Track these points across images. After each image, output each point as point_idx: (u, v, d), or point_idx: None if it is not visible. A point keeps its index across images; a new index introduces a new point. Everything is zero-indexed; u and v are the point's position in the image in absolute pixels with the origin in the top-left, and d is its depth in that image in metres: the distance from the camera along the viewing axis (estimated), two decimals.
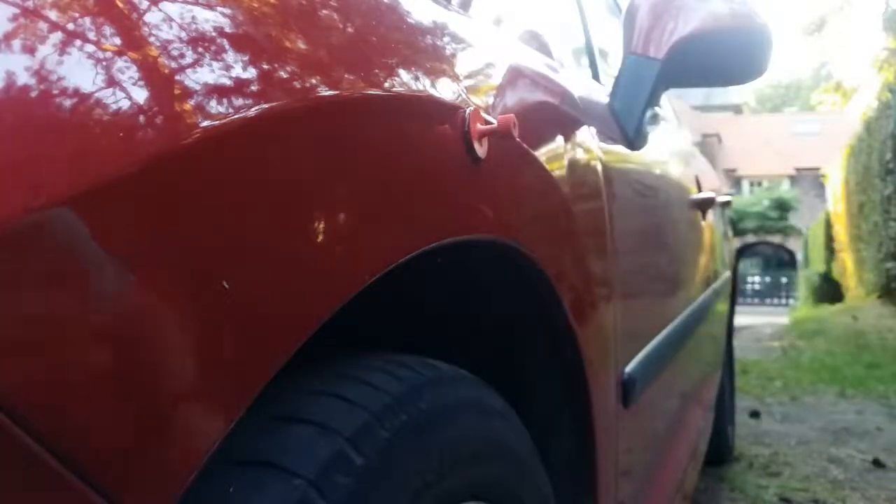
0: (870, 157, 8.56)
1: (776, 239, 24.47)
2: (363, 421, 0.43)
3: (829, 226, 13.18)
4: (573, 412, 0.78)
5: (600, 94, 1.16)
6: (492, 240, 0.58)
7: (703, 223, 2.06)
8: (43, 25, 0.28)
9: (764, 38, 0.89)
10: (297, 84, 0.39)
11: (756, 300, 20.58)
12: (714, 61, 0.88)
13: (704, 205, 2.07)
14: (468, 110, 0.55)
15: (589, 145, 0.91)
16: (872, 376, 4.65)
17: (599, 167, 0.93)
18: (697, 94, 26.96)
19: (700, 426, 2.07)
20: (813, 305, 11.97)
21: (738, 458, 2.89)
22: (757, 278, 22.88)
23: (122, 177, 0.28)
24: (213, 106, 0.33)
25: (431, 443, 0.48)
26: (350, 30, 0.47)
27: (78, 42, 0.28)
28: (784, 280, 21.84)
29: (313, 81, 0.40)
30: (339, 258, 0.40)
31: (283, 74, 0.38)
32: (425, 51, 0.57)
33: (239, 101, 0.34)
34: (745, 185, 26.80)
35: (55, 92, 0.27)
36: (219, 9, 0.36)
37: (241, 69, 0.35)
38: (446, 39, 0.61)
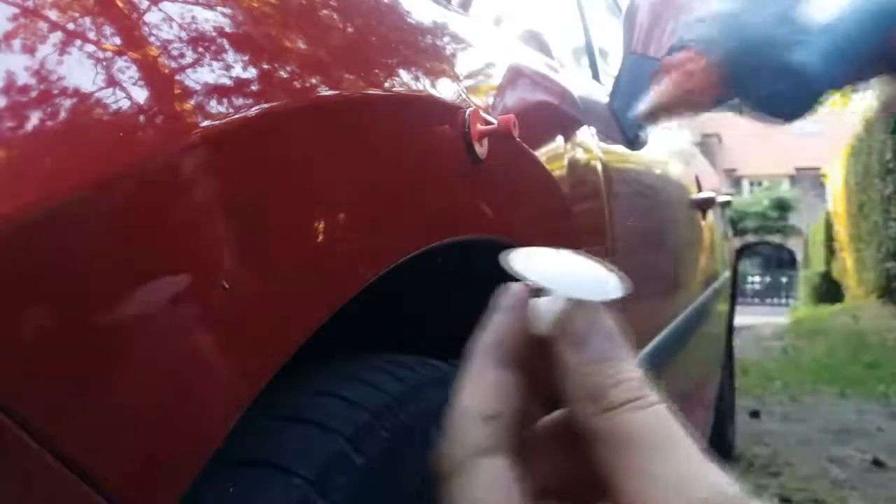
0: (870, 157, 8.56)
1: (776, 239, 24.47)
2: (363, 421, 0.43)
3: (829, 226, 13.18)
4: None
5: (600, 94, 1.16)
6: (492, 240, 0.58)
7: (703, 223, 2.06)
8: (43, 25, 0.28)
9: None
10: (297, 84, 0.39)
11: (756, 300, 20.56)
12: None
13: (704, 204, 2.07)
14: (468, 110, 0.55)
15: (589, 145, 0.91)
16: (872, 376, 4.65)
17: (599, 167, 0.93)
18: None
19: (700, 426, 2.07)
20: (813, 305, 11.97)
21: (738, 458, 2.89)
22: (757, 278, 22.86)
23: (122, 176, 0.28)
24: (213, 106, 0.33)
25: (432, 443, 0.48)
26: (350, 30, 0.47)
27: (78, 42, 0.28)
28: (784, 280, 21.83)
29: (313, 81, 0.40)
30: (338, 258, 0.40)
31: (283, 74, 0.38)
32: (425, 51, 0.57)
33: (239, 101, 0.34)
34: (745, 185, 26.79)
35: (55, 92, 0.27)
36: (219, 9, 0.36)
37: (241, 69, 0.35)
38: (446, 39, 0.61)
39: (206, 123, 0.32)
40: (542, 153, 0.71)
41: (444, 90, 0.55)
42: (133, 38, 0.31)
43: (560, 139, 0.79)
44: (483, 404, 0.27)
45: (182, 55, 0.33)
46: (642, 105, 0.26)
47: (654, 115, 0.27)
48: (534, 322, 0.28)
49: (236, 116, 0.34)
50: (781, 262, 24.41)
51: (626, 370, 0.26)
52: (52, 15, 0.28)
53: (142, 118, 0.29)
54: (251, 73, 0.36)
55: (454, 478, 0.26)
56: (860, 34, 0.29)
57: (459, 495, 0.26)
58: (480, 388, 0.27)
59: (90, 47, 0.29)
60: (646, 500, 0.24)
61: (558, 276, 0.28)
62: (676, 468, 0.24)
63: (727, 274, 2.74)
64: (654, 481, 0.24)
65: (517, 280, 0.28)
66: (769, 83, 0.29)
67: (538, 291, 0.28)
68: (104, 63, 0.29)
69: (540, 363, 0.28)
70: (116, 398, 0.28)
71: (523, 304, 0.29)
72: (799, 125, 0.36)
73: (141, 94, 0.30)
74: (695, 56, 0.28)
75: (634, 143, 1.17)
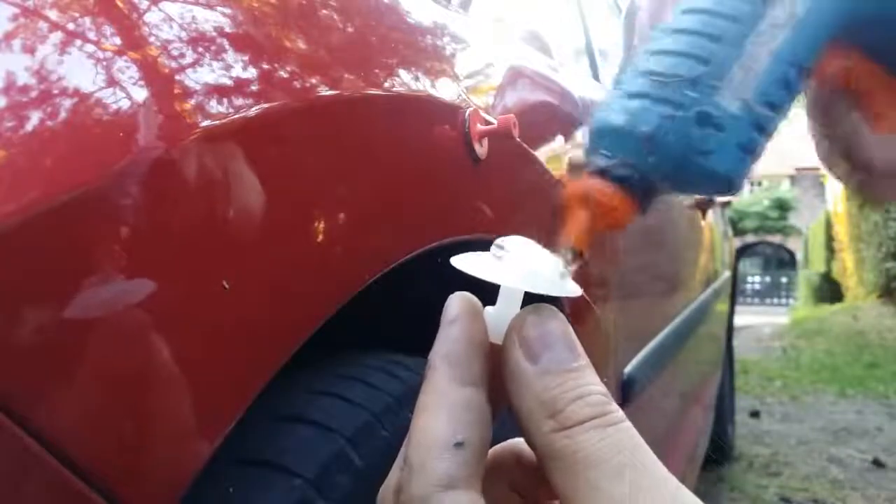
0: None
1: (776, 239, 24.46)
2: (363, 421, 0.43)
3: (829, 226, 13.18)
4: None
5: (600, 94, 1.16)
6: (492, 240, 0.58)
7: (702, 223, 2.06)
8: (43, 25, 0.28)
9: None
10: (297, 84, 0.39)
11: (756, 300, 20.57)
12: None
13: (704, 205, 2.07)
14: (468, 110, 0.55)
15: None
16: (872, 376, 4.65)
17: None
18: None
19: (700, 426, 2.07)
20: (813, 305, 11.97)
21: (738, 458, 2.89)
22: (757, 278, 22.86)
23: (123, 176, 0.28)
24: (213, 106, 0.33)
25: None
26: (350, 30, 0.47)
27: (78, 42, 0.28)
28: (784, 280, 21.84)
29: (313, 81, 0.40)
30: (338, 258, 0.40)
31: (283, 74, 0.38)
32: (425, 51, 0.57)
33: (239, 101, 0.34)
34: (745, 185, 26.77)
35: (55, 92, 0.27)
36: (219, 9, 0.36)
37: (241, 69, 0.35)
38: (446, 39, 0.61)
39: (206, 123, 0.32)
40: (542, 153, 0.71)
41: (444, 90, 0.55)
42: (133, 38, 0.31)
43: (560, 139, 0.79)
44: (449, 429, 0.23)
45: (182, 55, 0.33)
46: (561, 249, 0.24)
47: (575, 256, 0.25)
48: (488, 331, 0.25)
49: (236, 116, 0.34)
50: (781, 262, 24.40)
51: (588, 383, 0.23)
52: (52, 15, 0.28)
53: (142, 118, 0.29)
54: (251, 73, 0.36)
55: None
56: (776, 99, 0.28)
57: None
58: (445, 410, 0.23)
59: (90, 47, 0.29)
60: None
61: (514, 274, 0.25)
62: (647, 494, 0.21)
63: (727, 274, 2.74)
64: None
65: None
66: (691, 189, 0.28)
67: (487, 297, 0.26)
68: (104, 63, 0.29)
69: (493, 377, 0.25)
70: (116, 398, 0.28)
71: (477, 313, 0.25)
72: (800, 125, 0.35)
73: (141, 94, 0.30)
74: (609, 188, 0.25)
75: None
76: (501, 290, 0.26)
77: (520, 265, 0.26)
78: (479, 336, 0.25)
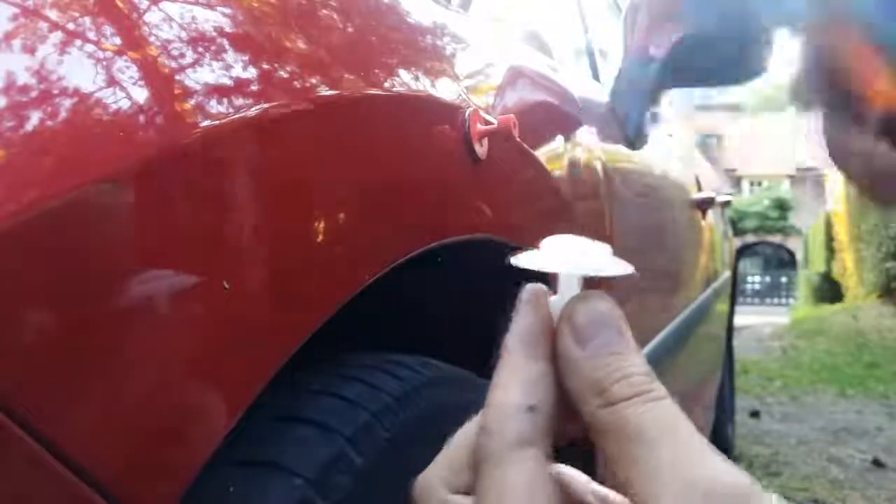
0: None
1: (776, 239, 24.46)
2: (363, 421, 0.43)
3: (829, 226, 13.18)
4: None
5: (600, 94, 1.16)
6: (492, 239, 0.58)
7: (702, 223, 2.06)
8: (43, 25, 0.28)
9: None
10: (297, 84, 0.39)
11: (756, 300, 20.58)
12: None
13: (704, 204, 2.07)
14: (468, 110, 0.55)
15: (589, 145, 0.91)
16: (872, 376, 4.65)
17: (599, 167, 0.93)
18: (697, 95, 26.89)
19: (700, 426, 2.06)
20: (813, 305, 11.97)
21: (738, 458, 2.89)
22: (757, 278, 22.86)
23: (123, 176, 0.28)
24: (213, 106, 0.33)
25: (432, 443, 0.47)
26: (350, 30, 0.47)
27: (78, 42, 0.28)
28: (784, 280, 21.84)
29: (313, 81, 0.40)
30: (338, 258, 0.40)
31: (283, 74, 0.38)
32: (425, 51, 0.57)
33: (239, 101, 0.34)
34: (745, 185, 26.78)
35: (55, 92, 0.27)
36: (219, 9, 0.36)
37: (241, 69, 0.35)
38: (446, 39, 0.61)
39: (206, 123, 0.32)
40: (542, 153, 0.72)
41: (444, 90, 0.55)
42: (133, 38, 0.31)
43: (560, 139, 0.79)
44: (522, 396, 0.26)
45: (182, 55, 0.33)
46: None
47: None
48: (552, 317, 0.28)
49: (236, 116, 0.34)
50: (781, 262, 24.40)
51: (633, 364, 0.26)
52: (52, 15, 0.28)
53: (142, 118, 0.29)
54: (251, 73, 0.36)
55: (490, 469, 0.25)
56: None
57: (497, 486, 0.25)
58: (518, 381, 0.27)
59: (90, 47, 0.29)
60: (652, 491, 0.23)
61: (564, 261, 0.28)
62: (683, 459, 0.23)
63: (727, 274, 2.74)
64: (659, 473, 0.23)
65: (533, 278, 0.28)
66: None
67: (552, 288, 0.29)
68: (104, 63, 0.29)
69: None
70: (116, 398, 0.28)
71: (544, 299, 0.28)
72: (800, 124, 0.35)
73: (141, 94, 0.30)
74: None
75: (635, 142, 1.17)
76: (560, 280, 0.29)
77: (571, 254, 0.28)
78: (546, 320, 0.28)
